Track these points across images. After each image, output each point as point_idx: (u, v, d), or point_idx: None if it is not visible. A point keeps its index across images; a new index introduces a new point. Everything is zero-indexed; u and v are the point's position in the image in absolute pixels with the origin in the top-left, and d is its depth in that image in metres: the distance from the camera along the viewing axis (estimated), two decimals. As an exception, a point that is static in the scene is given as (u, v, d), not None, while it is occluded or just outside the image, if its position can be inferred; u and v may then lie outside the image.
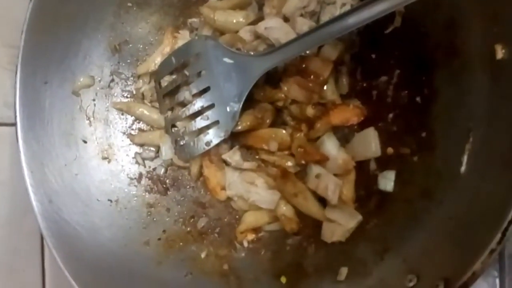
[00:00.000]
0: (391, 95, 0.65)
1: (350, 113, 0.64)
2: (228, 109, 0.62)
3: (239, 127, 0.63)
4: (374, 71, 0.65)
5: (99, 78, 0.71)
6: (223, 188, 0.68)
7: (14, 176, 0.65)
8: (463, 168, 0.54)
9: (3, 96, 0.65)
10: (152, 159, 0.72)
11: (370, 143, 0.63)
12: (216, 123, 0.63)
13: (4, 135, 0.66)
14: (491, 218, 0.48)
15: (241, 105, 0.61)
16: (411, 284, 0.54)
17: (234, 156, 0.66)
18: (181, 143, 0.67)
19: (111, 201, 0.68)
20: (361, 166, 0.65)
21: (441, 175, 0.57)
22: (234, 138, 0.67)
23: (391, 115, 0.64)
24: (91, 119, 0.70)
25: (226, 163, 0.68)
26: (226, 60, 0.61)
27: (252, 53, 0.63)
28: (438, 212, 0.56)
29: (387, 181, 0.63)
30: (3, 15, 0.67)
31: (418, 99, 0.62)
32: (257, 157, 0.68)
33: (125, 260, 0.64)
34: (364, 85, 0.66)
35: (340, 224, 0.62)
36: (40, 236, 0.69)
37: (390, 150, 0.63)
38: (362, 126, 0.65)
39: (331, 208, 0.63)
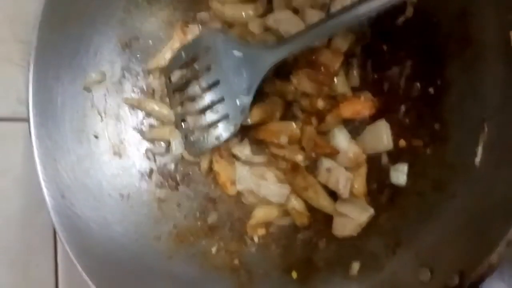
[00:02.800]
0: (403, 86, 0.63)
1: (361, 106, 0.64)
2: (238, 102, 0.62)
3: (249, 121, 0.62)
4: (386, 63, 0.64)
5: (110, 74, 0.70)
6: (233, 183, 0.68)
7: (27, 171, 0.66)
8: (477, 160, 0.53)
9: (16, 92, 0.66)
10: (162, 154, 0.72)
11: (381, 135, 0.62)
12: (226, 117, 0.63)
13: (17, 130, 0.67)
14: (507, 208, 0.47)
15: (251, 99, 0.61)
16: (425, 277, 0.53)
17: (244, 150, 0.65)
18: (191, 138, 0.67)
19: (122, 196, 0.68)
20: (372, 159, 0.64)
21: (454, 167, 0.56)
22: (244, 132, 0.67)
23: (403, 107, 0.63)
24: (103, 115, 0.70)
25: (236, 157, 0.67)
26: (235, 53, 0.61)
27: (261, 45, 0.62)
28: (452, 205, 0.55)
29: (399, 174, 0.62)
30: (15, 11, 0.67)
31: (430, 90, 0.61)
32: (267, 150, 0.67)
33: (137, 255, 0.65)
34: (375, 77, 0.65)
35: (352, 218, 0.61)
36: (53, 231, 0.69)
37: (402, 142, 0.62)
38: (373, 118, 0.64)
39: (342, 202, 0.62)
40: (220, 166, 0.69)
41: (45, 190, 0.60)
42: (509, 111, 0.50)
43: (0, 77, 0.67)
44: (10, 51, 0.67)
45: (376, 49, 0.65)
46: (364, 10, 0.53)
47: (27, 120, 0.61)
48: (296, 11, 0.64)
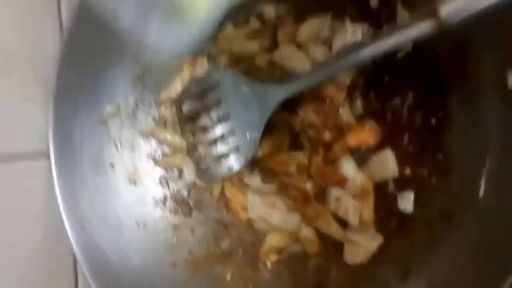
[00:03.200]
0: (406, 116, 0.65)
1: (366, 135, 0.66)
2: (247, 136, 0.64)
3: (259, 154, 0.65)
4: (388, 93, 0.66)
5: (124, 106, 0.73)
6: (244, 208, 0.70)
7: (49, 205, 0.68)
8: (481, 192, 0.55)
9: (37, 130, 0.68)
10: (176, 181, 0.74)
11: (387, 164, 0.64)
12: (237, 149, 0.65)
13: (39, 166, 0.69)
14: (508, 248, 0.49)
15: (260, 133, 0.63)
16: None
17: (254, 179, 0.68)
18: (203, 166, 0.69)
19: (138, 224, 0.70)
20: (380, 187, 0.66)
21: (459, 198, 0.58)
22: (254, 162, 0.69)
23: (406, 136, 0.65)
24: (118, 145, 0.72)
25: (247, 185, 0.69)
26: (244, 89, 0.63)
27: (269, 82, 0.65)
28: (459, 235, 0.57)
29: (406, 202, 0.64)
30: (35, 52, 0.69)
31: (433, 121, 0.63)
32: (277, 179, 0.69)
33: (155, 283, 0.67)
34: (379, 106, 0.67)
35: (362, 246, 0.63)
36: (73, 261, 0.72)
37: (407, 170, 0.65)
38: (378, 146, 0.66)
39: (353, 229, 0.64)
40: (232, 193, 0.71)
41: (66, 224, 0.63)
42: (510, 149, 0.52)
43: (21, 116, 0.69)
44: (31, 91, 0.69)
45: (378, 80, 0.67)
46: (370, 52, 0.55)
47: (48, 156, 0.64)
48: (300, 45, 0.66)
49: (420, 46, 0.62)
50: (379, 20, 0.67)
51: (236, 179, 0.70)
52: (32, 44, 0.69)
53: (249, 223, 0.72)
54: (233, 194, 0.71)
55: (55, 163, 0.64)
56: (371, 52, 0.54)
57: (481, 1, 0.45)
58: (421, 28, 0.50)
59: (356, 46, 0.56)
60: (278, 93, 0.62)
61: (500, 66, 0.52)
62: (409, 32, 0.51)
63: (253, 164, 0.70)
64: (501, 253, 0.50)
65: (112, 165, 0.71)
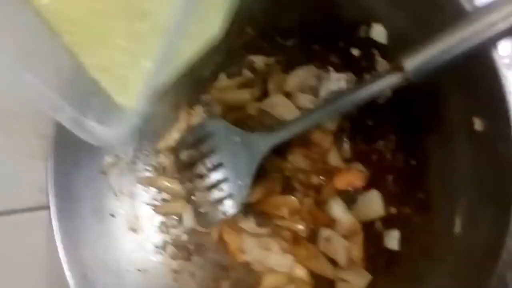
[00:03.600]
0: (389, 158, 0.69)
1: (353, 177, 0.69)
2: (240, 183, 0.67)
3: (251, 199, 0.68)
4: (372, 136, 0.70)
5: (124, 156, 0.76)
6: (242, 251, 0.73)
7: (51, 254, 0.70)
8: (457, 229, 0.58)
9: (38, 182, 0.71)
10: (175, 227, 0.77)
11: (374, 204, 0.68)
12: (230, 195, 0.69)
13: (40, 218, 0.72)
14: (482, 277, 0.51)
15: (250, 180, 0.66)
16: None
17: (249, 223, 0.71)
18: (201, 211, 0.72)
19: (139, 270, 0.73)
20: (368, 226, 0.69)
21: (439, 234, 0.60)
22: (249, 205, 0.72)
23: (390, 177, 0.69)
24: (118, 193, 0.75)
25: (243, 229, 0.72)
26: (235, 139, 0.67)
27: (258, 132, 0.68)
28: (439, 270, 0.59)
29: (392, 240, 0.67)
30: (35, 108, 0.73)
31: (413, 162, 0.67)
32: (271, 222, 0.72)
33: (156, 330, 0.69)
34: (365, 149, 0.71)
35: (352, 284, 0.66)
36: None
37: (393, 210, 0.68)
38: (366, 187, 0.70)
39: (343, 268, 0.67)
40: (229, 236, 0.73)
41: (67, 273, 0.64)
42: (481, 188, 0.55)
43: (23, 170, 0.72)
44: (31, 146, 0.73)
45: (363, 124, 0.71)
46: (352, 100, 0.59)
47: (48, 207, 0.66)
48: (288, 94, 0.70)
49: (398, 92, 0.66)
50: (361, 69, 0.71)
51: (233, 223, 0.73)
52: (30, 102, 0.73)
53: (247, 265, 0.74)
54: (231, 238, 0.73)
55: (55, 213, 0.66)
56: (350, 101, 0.59)
57: (440, 57, 0.50)
58: (392, 80, 0.54)
59: (337, 96, 0.60)
60: (266, 142, 0.65)
61: (467, 112, 0.56)
62: (382, 83, 0.56)
63: (248, 208, 0.72)
64: (472, 283, 0.53)
65: (112, 213, 0.74)
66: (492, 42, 0.49)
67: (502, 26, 0.47)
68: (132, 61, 0.46)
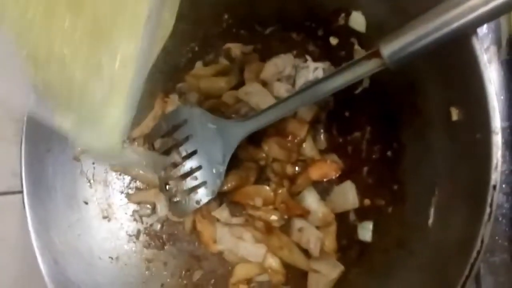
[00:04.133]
0: (365, 149, 0.69)
1: (328, 168, 0.69)
2: (214, 170, 0.67)
3: (225, 188, 0.67)
4: (348, 128, 0.70)
5: (98, 143, 0.75)
6: (215, 241, 0.72)
7: (23, 240, 0.70)
8: (430, 221, 0.57)
9: (11, 166, 0.70)
10: (149, 216, 0.76)
11: (348, 195, 0.68)
12: (204, 183, 0.68)
13: (13, 202, 0.71)
14: (455, 269, 0.51)
15: (225, 167, 0.66)
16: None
17: (222, 213, 0.70)
18: (174, 200, 0.71)
19: (112, 258, 0.72)
20: (342, 217, 0.69)
21: (412, 226, 0.60)
22: (223, 195, 0.71)
23: (365, 169, 0.69)
24: (91, 181, 0.74)
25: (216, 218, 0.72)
26: (210, 126, 0.66)
27: (233, 119, 0.68)
28: (412, 262, 0.59)
29: (365, 232, 0.66)
30: (7, 92, 0.72)
31: (388, 153, 0.66)
32: (244, 212, 0.71)
33: (127, 317, 0.68)
34: (340, 140, 0.71)
35: (324, 275, 0.65)
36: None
37: (367, 201, 0.68)
38: (340, 179, 0.70)
39: (315, 259, 0.67)
40: (203, 226, 0.73)
41: (39, 258, 0.64)
42: (456, 179, 0.54)
43: (-4, 155, 0.71)
44: (4, 129, 0.71)
45: (339, 115, 0.70)
46: (328, 87, 0.58)
47: (21, 192, 0.66)
48: (264, 83, 0.69)
49: (375, 83, 0.66)
50: (339, 58, 0.70)
51: (207, 212, 0.72)
52: (4, 84, 0.71)
53: (220, 255, 0.73)
54: (204, 228, 0.73)
55: (28, 197, 0.66)
56: (326, 88, 0.58)
57: (418, 42, 0.49)
58: (368, 66, 0.54)
59: (313, 83, 0.59)
60: (241, 130, 0.65)
61: (444, 102, 0.56)
62: (359, 70, 0.55)
63: (221, 198, 0.72)
64: (446, 276, 0.53)
65: (85, 201, 0.73)
66: (471, 28, 0.48)
67: (482, 10, 0.46)
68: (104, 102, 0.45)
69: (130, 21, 0.42)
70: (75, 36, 0.42)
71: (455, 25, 0.47)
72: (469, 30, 0.48)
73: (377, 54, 0.52)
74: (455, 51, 0.51)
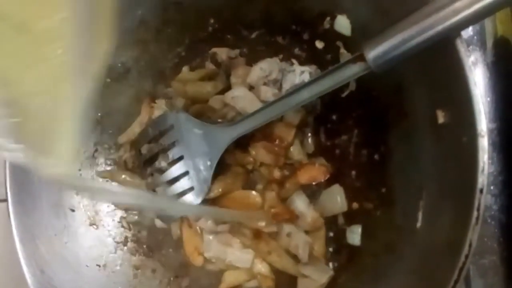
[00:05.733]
0: (352, 153, 0.69)
1: (316, 172, 0.68)
2: (201, 176, 0.66)
3: (212, 194, 0.67)
4: (336, 131, 0.70)
5: (84, 150, 0.75)
6: (200, 253, 0.71)
7: (8, 249, 0.69)
8: (418, 224, 0.57)
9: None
10: (136, 223, 0.75)
11: (336, 199, 0.67)
12: (191, 189, 0.67)
13: (-3, 211, 0.70)
14: (444, 273, 0.51)
15: (211, 173, 0.66)
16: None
17: (206, 222, 0.69)
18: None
19: (99, 266, 0.71)
20: (331, 221, 0.69)
21: (400, 230, 0.60)
22: (210, 201, 0.70)
23: (354, 172, 0.68)
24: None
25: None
26: (196, 131, 0.66)
27: (219, 124, 0.67)
28: (401, 266, 0.58)
29: (354, 236, 0.66)
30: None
31: (376, 156, 0.66)
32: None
33: (115, 325, 0.67)
34: (328, 144, 0.71)
35: (313, 279, 0.65)
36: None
37: (355, 205, 0.67)
38: (329, 182, 0.69)
39: (304, 263, 0.66)
40: (188, 237, 0.72)
41: (24, 268, 0.63)
42: (443, 182, 0.54)
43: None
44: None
45: (327, 118, 0.70)
46: (314, 90, 0.58)
47: (5, 200, 0.64)
48: (251, 87, 0.69)
49: (361, 87, 0.66)
50: (325, 61, 0.70)
51: (194, 221, 0.71)
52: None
53: (208, 262, 0.72)
54: (189, 239, 0.72)
55: (12, 205, 0.64)
56: (312, 92, 0.58)
57: (403, 45, 0.49)
58: (353, 70, 0.54)
59: (299, 87, 0.59)
60: (228, 134, 0.64)
61: (430, 105, 0.55)
62: (344, 73, 0.55)
63: (210, 203, 0.71)
64: (435, 279, 0.52)
65: (72, 208, 0.72)
66: (456, 30, 0.48)
67: (465, 13, 0.46)
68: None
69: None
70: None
71: (439, 28, 0.47)
72: (453, 32, 0.48)
73: (362, 58, 0.52)
74: (440, 54, 0.50)
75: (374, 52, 0.50)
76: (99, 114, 0.75)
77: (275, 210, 0.66)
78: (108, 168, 0.77)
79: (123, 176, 0.75)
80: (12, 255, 0.63)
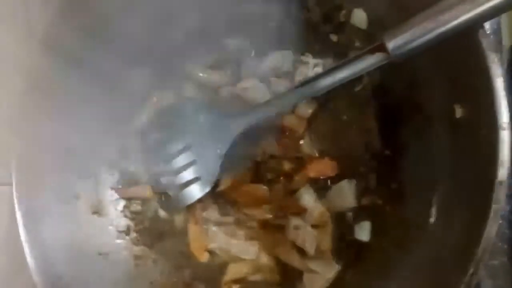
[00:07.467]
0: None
1: (325, 166, 0.68)
2: (208, 166, 0.65)
3: (221, 187, 0.66)
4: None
5: (91, 138, 0.73)
6: (205, 250, 0.70)
7: (12, 233, 0.68)
8: (431, 220, 0.56)
9: (1, 158, 0.68)
10: (139, 212, 0.74)
11: (345, 194, 0.66)
12: (197, 178, 0.66)
13: (1, 194, 0.69)
14: (456, 269, 0.50)
15: (220, 163, 0.64)
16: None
17: (212, 214, 0.68)
18: (166, 196, 0.70)
19: (101, 254, 0.70)
20: (339, 216, 0.68)
21: (411, 226, 0.59)
22: (216, 194, 0.70)
23: (364, 167, 0.67)
24: (82, 175, 0.72)
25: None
26: (205, 120, 0.65)
27: (229, 113, 0.66)
28: (410, 261, 0.58)
29: (363, 231, 0.65)
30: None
31: (387, 152, 0.65)
32: (236, 209, 0.70)
33: (115, 314, 0.66)
34: (339, 138, 0.69)
35: (320, 274, 0.64)
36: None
37: (364, 201, 0.66)
38: (338, 177, 0.68)
39: (311, 258, 0.65)
40: (194, 232, 0.71)
41: (27, 252, 0.62)
42: (457, 177, 0.54)
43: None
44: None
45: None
46: (329, 81, 0.57)
47: (10, 184, 0.64)
48: (262, 79, 0.68)
49: (374, 82, 0.65)
50: (340, 54, 0.69)
51: (200, 217, 0.71)
52: None
53: (212, 254, 0.71)
54: (195, 235, 0.71)
55: (17, 190, 0.63)
56: (326, 83, 0.57)
57: (424, 36, 0.48)
58: (371, 60, 0.53)
59: (314, 77, 0.58)
60: (237, 124, 0.63)
61: (448, 99, 0.55)
62: (361, 64, 0.54)
63: (217, 195, 0.70)
64: (447, 274, 0.51)
65: (76, 195, 0.71)
66: (478, 22, 0.48)
67: (488, 5, 0.45)
68: None
69: None
70: None
71: (462, 18, 0.47)
72: (476, 24, 0.47)
73: (380, 48, 0.51)
74: (461, 46, 0.50)
75: (395, 41, 0.49)
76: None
77: (283, 203, 0.65)
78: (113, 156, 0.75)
79: (128, 165, 0.74)
80: (15, 239, 0.62)
